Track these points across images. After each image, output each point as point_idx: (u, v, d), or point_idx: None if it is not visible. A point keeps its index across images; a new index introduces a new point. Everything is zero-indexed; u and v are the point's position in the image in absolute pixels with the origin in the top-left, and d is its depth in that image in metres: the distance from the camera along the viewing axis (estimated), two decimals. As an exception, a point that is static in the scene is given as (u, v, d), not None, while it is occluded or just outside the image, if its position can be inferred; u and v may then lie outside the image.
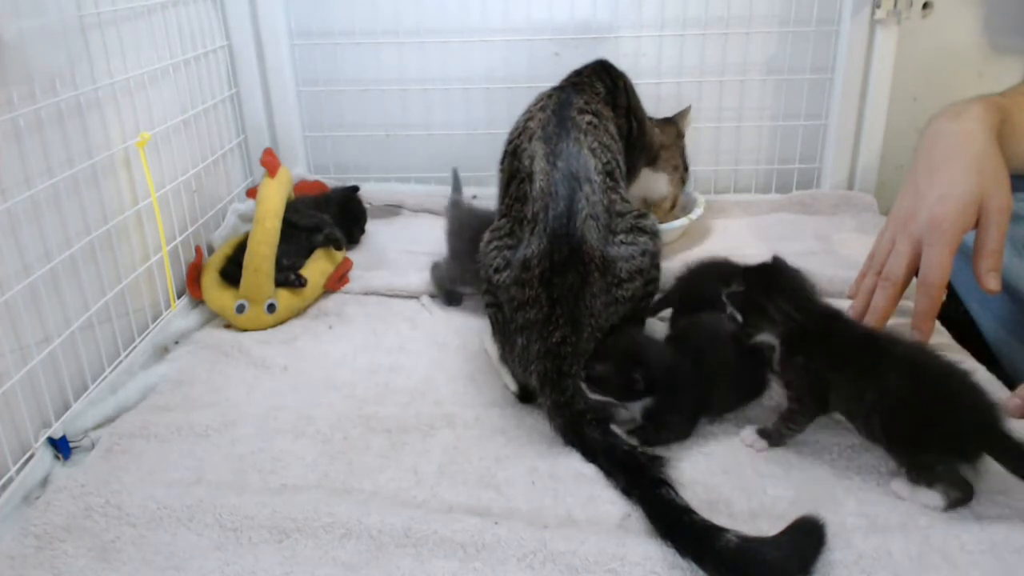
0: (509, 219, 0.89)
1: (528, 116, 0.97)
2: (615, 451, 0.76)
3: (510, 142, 0.97)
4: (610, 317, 0.84)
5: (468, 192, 1.41)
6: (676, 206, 1.27)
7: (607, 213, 0.87)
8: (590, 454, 0.77)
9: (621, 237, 0.87)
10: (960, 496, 0.69)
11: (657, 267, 0.90)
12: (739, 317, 0.78)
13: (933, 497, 0.70)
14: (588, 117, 0.94)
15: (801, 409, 0.77)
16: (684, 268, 0.99)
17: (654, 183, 1.21)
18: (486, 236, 0.91)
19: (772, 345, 0.78)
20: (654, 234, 0.89)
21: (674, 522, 0.67)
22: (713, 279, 0.90)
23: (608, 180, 0.89)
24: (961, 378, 0.71)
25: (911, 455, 0.71)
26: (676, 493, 0.70)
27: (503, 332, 0.87)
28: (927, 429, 0.70)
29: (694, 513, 0.67)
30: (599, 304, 0.83)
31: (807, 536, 0.65)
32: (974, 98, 0.92)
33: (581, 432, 0.78)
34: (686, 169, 1.26)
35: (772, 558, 0.63)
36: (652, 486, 0.71)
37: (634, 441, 0.78)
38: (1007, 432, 0.68)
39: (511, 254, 0.86)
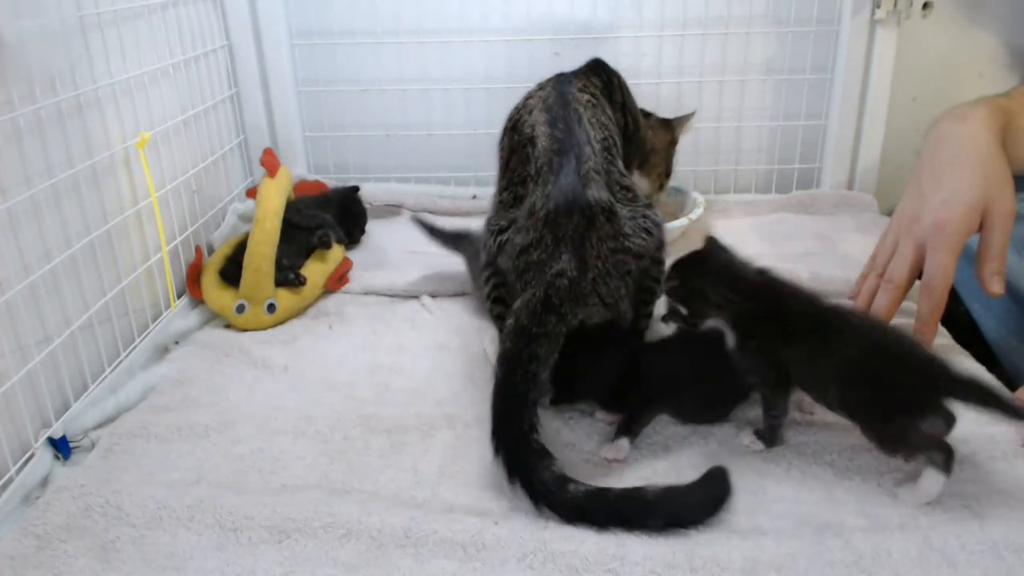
0: (511, 191, 0.88)
1: (527, 97, 0.98)
2: (524, 414, 0.74)
3: (509, 119, 0.96)
4: (619, 266, 0.81)
5: (467, 192, 1.42)
6: None
7: (608, 176, 0.86)
8: (502, 395, 0.75)
9: (622, 204, 0.85)
10: (943, 456, 0.69)
11: (662, 246, 0.87)
12: (682, 309, 0.78)
13: (925, 475, 0.70)
14: (587, 96, 0.95)
15: (772, 393, 0.77)
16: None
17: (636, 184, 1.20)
18: (488, 216, 0.90)
19: (724, 332, 0.78)
20: (650, 206, 0.88)
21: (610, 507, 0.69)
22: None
23: (607, 154, 0.89)
24: (909, 341, 0.74)
25: (874, 424, 0.72)
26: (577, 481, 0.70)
27: (510, 303, 0.84)
28: (882, 393, 0.71)
29: (608, 489, 0.69)
30: (606, 249, 0.80)
31: (717, 482, 0.70)
32: (978, 100, 0.92)
33: (512, 376, 0.75)
34: (668, 176, 1.24)
35: (694, 500, 0.70)
36: (557, 484, 0.70)
37: (625, 443, 0.78)
38: (959, 374, 0.70)
39: (515, 211, 0.85)
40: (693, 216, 1.24)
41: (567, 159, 0.84)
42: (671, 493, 0.69)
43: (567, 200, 0.81)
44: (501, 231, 0.86)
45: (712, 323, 0.78)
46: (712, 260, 0.79)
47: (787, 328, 0.75)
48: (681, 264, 0.80)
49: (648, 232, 0.84)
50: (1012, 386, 0.85)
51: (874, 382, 0.71)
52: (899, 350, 0.72)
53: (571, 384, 0.82)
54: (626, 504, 0.69)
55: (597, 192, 0.82)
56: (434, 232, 1.19)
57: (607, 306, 0.81)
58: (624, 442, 0.79)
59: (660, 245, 0.87)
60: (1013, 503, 0.70)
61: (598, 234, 0.80)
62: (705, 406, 0.83)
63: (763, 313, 0.76)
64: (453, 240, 1.16)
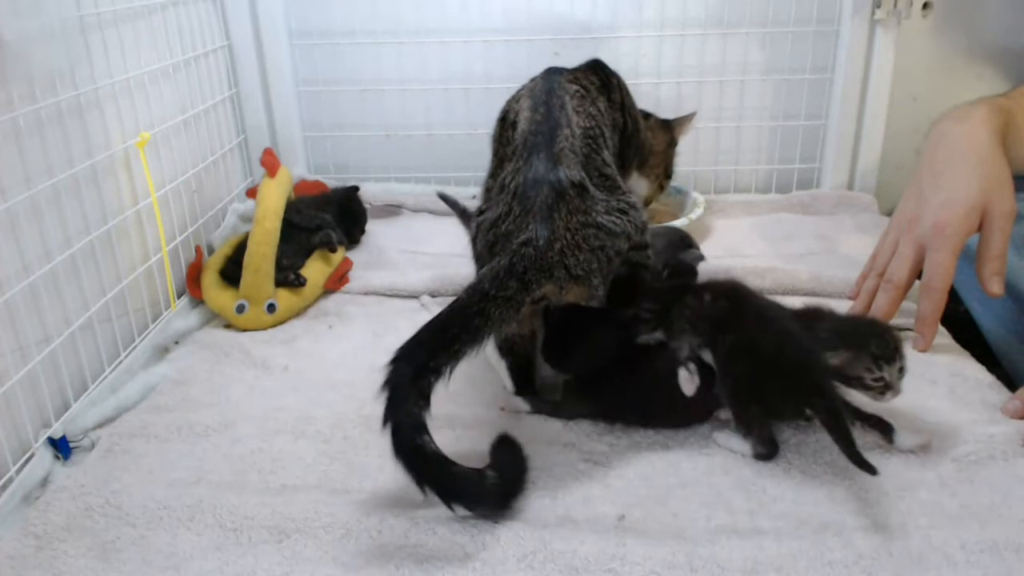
0: (495, 177, 0.88)
1: (519, 90, 0.98)
2: (439, 354, 0.74)
3: (501, 111, 0.97)
4: (589, 240, 0.79)
5: (467, 193, 1.42)
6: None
7: (586, 160, 0.85)
8: (432, 328, 0.75)
9: (599, 189, 0.84)
10: (765, 452, 0.76)
11: (643, 229, 0.86)
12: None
13: (743, 446, 0.77)
14: (576, 87, 0.94)
15: (729, 398, 0.79)
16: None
17: (635, 185, 1.20)
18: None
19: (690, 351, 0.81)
20: (626, 193, 0.87)
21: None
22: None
23: (591, 143, 0.88)
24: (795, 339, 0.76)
25: (741, 408, 0.77)
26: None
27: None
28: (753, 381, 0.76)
29: (455, 464, 0.69)
30: (576, 222, 0.79)
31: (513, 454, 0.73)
32: (978, 100, 0.92)
33: (452, 318, 0.75)
34: (668, 177, 1.23)
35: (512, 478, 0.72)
36: (415, 426, 0.70)
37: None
38: (828, 389, 0.73)
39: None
40: (693, 216, 1.24)
41: (542, 138, 0.84)
42: (501, 476, 0.70)
43: (536, 174, 0.80)
44: (480, 213, 0.86)
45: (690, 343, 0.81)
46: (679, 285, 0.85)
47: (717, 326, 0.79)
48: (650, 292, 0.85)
49: (623, 212, 0.83)
50: (1012, 386, 0.85)
51: (751, 368, 0.76)
52: (783, 348, 0.76)
53: (565, 354, 0.84)
54: (465, 483, 0.69)
55: (568, 169, 0.81)
56: (456, 207, 1.17)
57: (575, 279, 0.79)
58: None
59: (639, 228, 0.85)
60: (1013, 503, 0.70)
61: (568, 207, 0.79)
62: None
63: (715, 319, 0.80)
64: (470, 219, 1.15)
